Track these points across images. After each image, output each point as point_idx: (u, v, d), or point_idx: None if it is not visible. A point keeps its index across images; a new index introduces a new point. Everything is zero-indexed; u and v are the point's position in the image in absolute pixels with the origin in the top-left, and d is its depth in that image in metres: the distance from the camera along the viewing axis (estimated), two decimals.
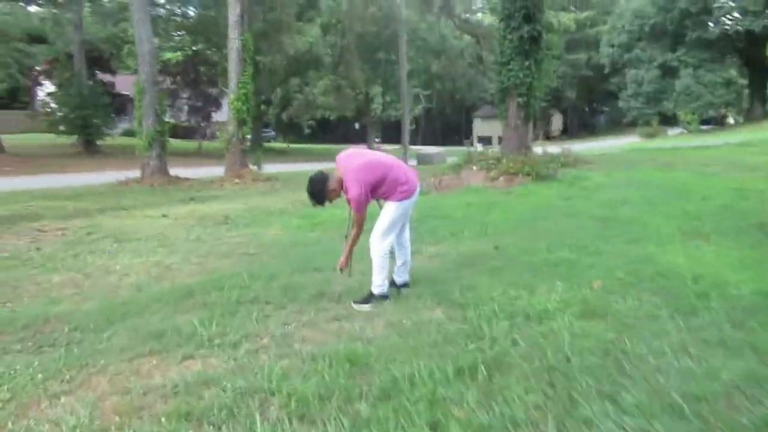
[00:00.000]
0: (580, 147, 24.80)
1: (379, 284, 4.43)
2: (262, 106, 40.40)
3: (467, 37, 30.31)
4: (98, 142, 30.87)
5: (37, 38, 45.69)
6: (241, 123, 16.09)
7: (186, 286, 5.02)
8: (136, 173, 16.35)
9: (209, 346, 3.65)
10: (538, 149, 15.10)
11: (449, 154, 28.01)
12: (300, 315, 4.20)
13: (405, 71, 24.17)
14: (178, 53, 36.71)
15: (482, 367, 3.16)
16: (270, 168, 21.14)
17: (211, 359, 3.47)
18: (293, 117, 40.06)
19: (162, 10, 32.40)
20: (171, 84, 36.23)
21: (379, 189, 4.25)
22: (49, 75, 36.43)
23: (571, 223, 7.18)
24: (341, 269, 4.56)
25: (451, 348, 3.49)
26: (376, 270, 4.42)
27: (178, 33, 34.42)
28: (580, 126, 65.75)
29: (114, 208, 10.29)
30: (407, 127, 26.02)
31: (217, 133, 16.40)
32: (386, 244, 4.39)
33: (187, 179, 16.36)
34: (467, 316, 4.02)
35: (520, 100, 14.01)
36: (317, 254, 5.94)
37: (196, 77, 33.96)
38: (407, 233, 4.74)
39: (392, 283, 4.78)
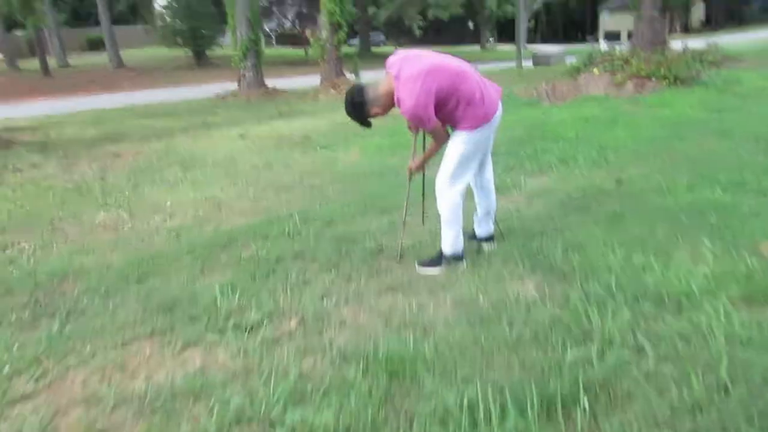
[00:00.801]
0: (728, 40, 21.07)
1: (451, 242, 3.35)
2: (371, 9, 38.60)
3: None
4: (208, 53, 31.05)
5: None
6: (336, 27, 14.90)
7: (228, 232, 4.25)
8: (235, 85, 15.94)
9: (222, 328, 2.84)
10: (676, 44, 12.61)
11: (570, 53, 25.14)
12: (347, 282, 3.27)
13: None
14: None
15: (583, 399, 2.07)
16: (372, 75, 19.99)
17: (218, 350, 2.66)
18: (401, 17, 37.87)
19: None
20: None
21: (444, 108, 3.07)
22: None
23: (723, 146, 5.53)
24: (411, 175, 3.54)
25: (540, 353, 2.41)
26: (447, 224, 3.33)
27: None
28: (727, 15, 57.15)
29: (198, 127, 9.81)
30: (522, 23, 23.43)
31: (311, 39, 15.29)
32: (458, 190, 3.25)
33: (284, 91, 15.69)
34: (570, 295, 2.88)
35: None
36: (389, 189, 4.91)
37: None
38: (489, 170, 3.56)
39: (472, 236, 3.68)
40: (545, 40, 57.27)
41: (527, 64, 23.27)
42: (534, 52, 25.06)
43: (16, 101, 20.82)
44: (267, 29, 39.71)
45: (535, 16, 58.68)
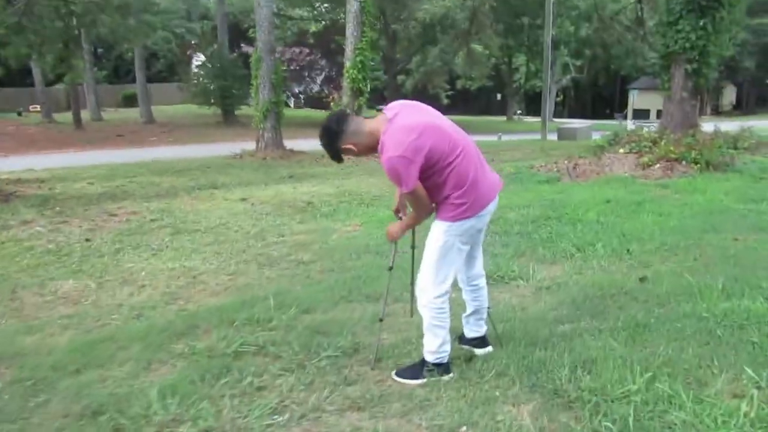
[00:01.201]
0: (761, 125, 20.58)
1: (434, 349, 2.81)
2: (399, 76, 39.24)
3: None
4: (236, 113, 31.57)
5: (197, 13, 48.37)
6: (357, 93, 14.81)
7: (193, 314, 3.76)
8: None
9: None
10: (707, 127, 12.14)
11: (597, 129, 24.89)
12: (307, 392, 2.72)
13: (549, 34, 21.42)
14: (320, 24, 36.60)
15: None
16: None
17: None
18: (426, 85, 38.37)
19: None
20: (308, 55, 36.35)
21: (429, 179, 2.60)
22: (200, 48, 37.99)
23: (764, 244, 4.93)
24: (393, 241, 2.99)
25: None
26: (430, 328, 2.80)
27: (324, 5, 34.02)
28: (758, 99, 56.87)
29: (205, 187, 9.51)
30: (548, 97, 23.34)
31: (332, 104, 15.21)
32: (441, 289, 2.73)
33: (301, 153, 15.51)
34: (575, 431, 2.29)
35: (688, 67, 11.25)
36: (382, 271, 4.39)
37: (332, 47, 33.46)
38: (478, 265, 3.02)
39: (461, 338, 3.13)
40: (572, 114, 57.55)
41: (552, 137, 23.02)
42: (560, 126, 24.86)
43: (41, 152, 21.13)
44: (296, 91, 40.54)
45: (563, 91, 59.22)
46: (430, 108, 2.76)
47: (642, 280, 4.08)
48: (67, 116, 29.69)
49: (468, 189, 2.61)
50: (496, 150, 16.69)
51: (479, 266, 3.00)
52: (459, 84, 52.98)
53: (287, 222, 6.60)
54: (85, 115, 31.58)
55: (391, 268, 3.13)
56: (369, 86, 14.90)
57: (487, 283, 4.01)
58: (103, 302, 4.15)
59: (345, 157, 2.70)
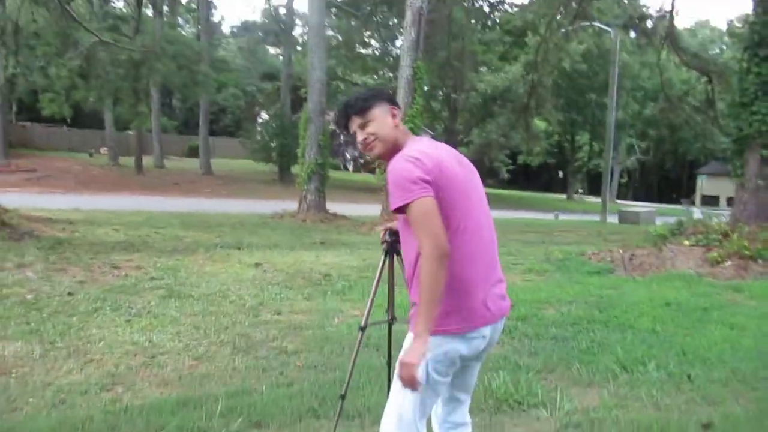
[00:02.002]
0: None
1: None
2: (460, 148, 38.94)
3: (694, 77, 25.29)
4: (293, 171, 31.78)
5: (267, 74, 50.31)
6: None
7: (116, 413, 3.02)
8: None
9: None
10: None
11: (662, 213, 23.43)
12: None
13: (613, 113, 20.56)
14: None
15: None
16: None
17: None
18: (483, 158, 37.78)
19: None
20: None
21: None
22: (264, 107, 39.06)
23: None
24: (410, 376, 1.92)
25: None
26: None
27: (389, 73, 34.49)
28: None
29: (227, 246, 8.97)
30: (609, 176, 22.22)
31: (377, 170, 14.73)
32: None
33: (343, 217, 14.98)
34: None
35: (764, 152, 10.11)
36: (377, 375, 3.54)
37: None
38: (462, 412, 2.14)
39: None
40: (637, 197, 55.58)
41: (613, 219, 21.76)
42: (622, 208, 23.54)
43: (96, 193, 21.53)
44: (351, 156, 40.79)
45: (628, 172, 57.51)
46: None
47: (706, 427, 3.07)
48: (133, 161, 30.58)
49: (461, 288, 1.86)
50: (550, 230, 15.69)
51: (463, 414, 2.14)
52: (520, 159, 52.41)
53: (292, 296, 5.86)
54: (149, 161, 32.57)
55: (363, 328, 2.42)
56: None
57: (498, 410, 3.13)
58: (34, 377, 3.47)
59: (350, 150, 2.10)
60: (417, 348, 1.78)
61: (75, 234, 9.16)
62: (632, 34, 25.12)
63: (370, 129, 1.98)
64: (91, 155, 36.58)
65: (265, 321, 4.89)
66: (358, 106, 2.00)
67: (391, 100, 2.06)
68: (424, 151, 1.88)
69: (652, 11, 21.64)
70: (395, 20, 29.19)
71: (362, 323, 2.44)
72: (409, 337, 1.89)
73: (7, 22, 14.38)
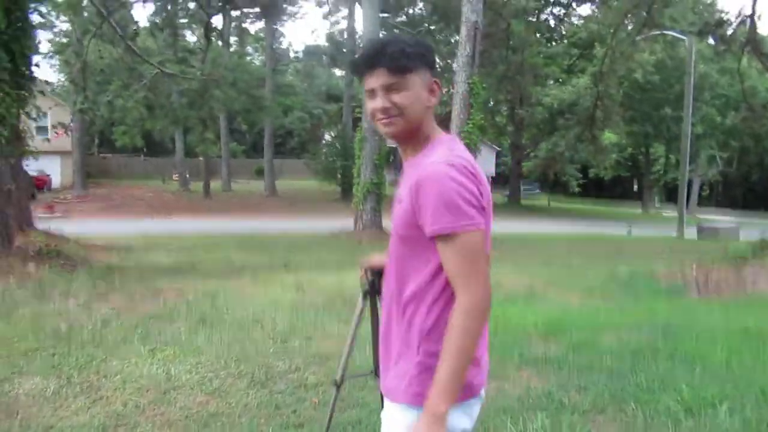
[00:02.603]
0: None
1: None
2: (525, 163, 37.98)
3: None
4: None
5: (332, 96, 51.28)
6: None
7: None
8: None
9: None
10: None
11: (748, 227, 21.71)
12: None
13: (688, 124, 19.33)
14: (446, 109, 36.88)
15: None
16: (506, 227, 18.43)
17: None
18: (547, 171, 36.65)
19: None
20: None
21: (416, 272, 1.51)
22: (327, 128, 39.57)
23: None
24: None
25: None
26: None
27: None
28: None
29: (274, 267, 8.87)
30: (685, 188, 20.87)
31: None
32: None
33: None
34: None
35: None
36: None
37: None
38: None
39: None
40: (720, 207, 52.26)
41: (692, 234, 20.34)
42: (701, 222, 22.02)
43: (166, 217, 22.24)
44: None
45: (710, 184, 54.26)
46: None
47: None
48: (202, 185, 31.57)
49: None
50: (619, 246, 14.78)
51: None
52: (592, 172, 50.55)
53: (327, 321, 5.58)
54: (217, 185, 33.57)
55: (338, 384, 2.06)
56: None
57: None
58: (39, 419, 3.32)
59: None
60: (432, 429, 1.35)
61: (128, 261, 9.31)
62: (710, 41, 23.72)
63: (399, 99, 1.47)
64: (164, 181, 38.12)
65: (291, 349, 4.61)
66: (395, 59, 1.46)
67: (434, 68, 1.56)
68: (470, 160, 1.48)
69: (731, 16, 20.33)
70: (457, 37, 28.97)
71: (337, 377, 2.07)
72: (393, 412, 1.52)
73: (77, 61, 15.17)
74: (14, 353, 4.49)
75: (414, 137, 1.54)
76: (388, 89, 1.47)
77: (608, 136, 33.59)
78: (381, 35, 16.47)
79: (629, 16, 19.28)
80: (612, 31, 19.93)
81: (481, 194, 1.43)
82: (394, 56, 1.46)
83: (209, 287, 7.15)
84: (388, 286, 1.60)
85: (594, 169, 44.32)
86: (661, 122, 35.75)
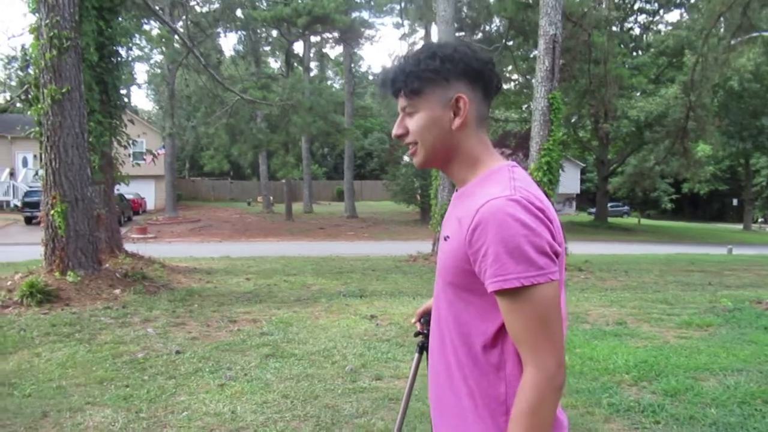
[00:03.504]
0: None
1: None
2: (611, 179, 36.35)
3: None
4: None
5: None
6: None
7: None
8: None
9: None
10: None
11: None
12: None
13: None
14: (526, 125, 35.96)
15: None
16: (591, 248, 17.55)
17: None
18: (634, 188, 34.82)
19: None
20: (508, 157, 35.68)
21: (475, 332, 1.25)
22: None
23: None
24: None
25: None
26: None
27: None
28: None
29: (351, 294, 8.75)
30: None
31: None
32: None
33: None
34: None
35: None
36: None
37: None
38: None
39: None
40: None
41: None
42: None
43: (249, 240, 22.87)
44: None
45: None
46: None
47: None
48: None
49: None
50: (720, 269, 13.65)
51: None
52: (685, 187, 47.85)
53: (400, 356, 5.34)
54: (299, 207, 34.35)
55: None
56: (557, 189, 13.31)
57: None
58: None
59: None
60: None
61: (208, 285, 9.48)
62: None
63: (411, 124, 1.29)
64: (249, 204, 39.47)
65: (361, 389, 4.40)
66: (407, 81, 1.27)
67: (475, 78, 1.27)
68: (538, 193, 1.21)
69: None
70: (535, 52, 28.27)
71: None
72: None
73: (165, 89, 15.98)
74: (91, 381, 4.57)
75: (450, 164, 1.32)
76: (405, 113, 1.32)
77: (702, 148, 31.59)
78: None
79: (722, 18, 18.06)
80: (704, 35, 18.76)
81: (553, 237, 1.17)
82: (395, 82, 1.30)
83: (283, 315, 7.11)
84: (437, 340, 1.35)
85: (688, 183, 41.85)
86: (761, 132, 33.27)
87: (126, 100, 10.68)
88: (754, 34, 19.59)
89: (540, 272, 1.12)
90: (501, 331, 1.21)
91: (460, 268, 1.21)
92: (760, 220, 48.67)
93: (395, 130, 1.33)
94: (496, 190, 1.18)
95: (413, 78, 1.27)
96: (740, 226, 41.87)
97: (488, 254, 1.14)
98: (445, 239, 1.28)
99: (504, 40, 22.19)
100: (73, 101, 8.21)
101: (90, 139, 8.95)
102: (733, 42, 18.90)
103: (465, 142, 1.29)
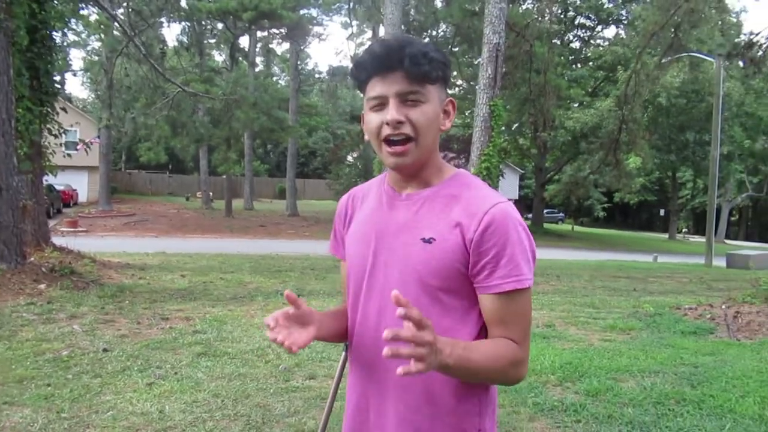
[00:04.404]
0: None
1: None
2: (549, 186, 37.50)
3: None
4: None
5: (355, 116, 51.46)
6: None
7: None
8: None
9: None
10: None
11: None
12: None
13: (716, 149, 18.87)
14: (468, 131, 36.67)
15: None
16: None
17: None
18: (569, 197, 36.09)
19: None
20: (450, 160, 36.26)
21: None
22: (348, 149, 39.63)
23: None
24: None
25: None
26: None
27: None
28: None
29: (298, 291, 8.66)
30: (714, 217, 20.31)
31: None
32: None
33: None
34: None
35: None
36: None
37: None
38: None
39: None
40: (750, 237, 51.03)
41: (720, 262, 19.74)
42: (729, 251, 21.37)
43: (185, 236, 22.29)
44: None
45: (740, 211, 53.07)
46: None
47: None
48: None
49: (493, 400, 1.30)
50: (645, 275, 14.32)
51: None
52: (616, 197, 49.92)
53: (335, 356, 5.35)
54: (239, 203, 33.73)
55: None
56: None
57: None
58: None
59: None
60: (444, 344, 1.06)
61: (141, 281, 9.21)
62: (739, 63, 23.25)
63: (417, 115, 1.17)
64: (187, 199, 38.47)
65: (293, 388, 4.39)
66: (417, 63, 1.15)
67: (449, 85, 1.29)
68: (529, 240, 1.25)
69: (762, 38, 19.92)
70: (480, 59, 28.88)
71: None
72: None
73: (103, 78, 15.43)
74: (9, 380, 4.37)
75: (424, 166, 1.24)
76: (403, 100, 1.17)
77: (633, 160, 33.04)
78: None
79: (655, 38, 19.01)
80: (638, 52, 19.68)
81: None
82: (416, 58, 1.14)
83: (218, 313, 7.00)
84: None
85: (619, 193, 43.70)
86: (686, 146, 35.10)
87: (59, 87, 10.21)
88: (683, 54, 20.72)
89: (531, 276, 1.19)
90: (481, 333, 1.22)
91: (454, 270, 1.18)
92: (684, 230, 51.30)
93: (396, 115, 1.16)
94: (494, 194, 1.21)
95: (436, 65, 1.17)
96: (666, 236, 44.00)
97: (501, 255, 1.15)
98: (428, 241, 1.20)
99: (450, 46, 22.55)
100: (0, 86, 7.81)
101: (18, 127, 8.54)
102: (664, 60, 19.92)
103: (437, 144, 1.26)
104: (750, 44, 19.95)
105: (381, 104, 1.18)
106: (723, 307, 7.40)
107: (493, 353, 1.15)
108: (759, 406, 4.11)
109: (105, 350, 5.26)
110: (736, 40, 20.83)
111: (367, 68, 1.19)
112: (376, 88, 1.18)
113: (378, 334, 1.20)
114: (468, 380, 1.18)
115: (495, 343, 1.17)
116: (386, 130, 1.18)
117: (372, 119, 1.20)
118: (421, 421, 1.22)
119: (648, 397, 4.27)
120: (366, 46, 1.57)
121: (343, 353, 1.79)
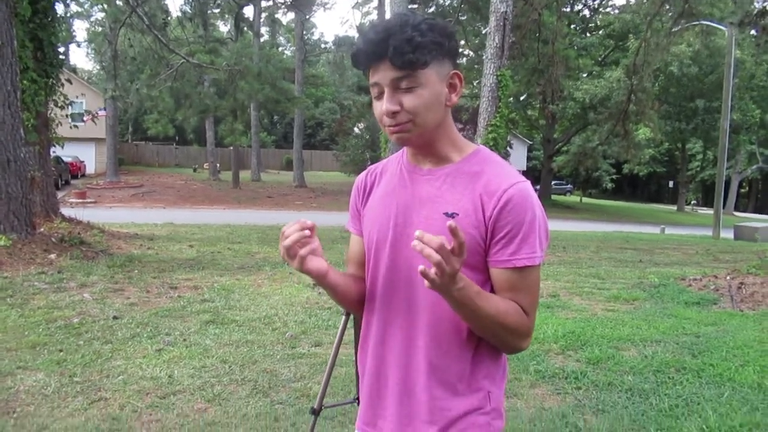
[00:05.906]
0: None
1: None
2: (556, 157, 37.27)
3: None
4: None
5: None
6: None
7: None
8: None
9: None
10: None
11: None
12: None
13: (727, 119, 18.64)
14: (476, 101, 36.32)
15: None
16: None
17: None
18: (579, 168, 35.89)
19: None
20: (459, 131, 35.95)
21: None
22: (356, 120, 39.40)
23: None
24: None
25: None
26: None
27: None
28: None
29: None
30: (723, 189, 20.18)
31: None
32: None
33: None
34: None
35: None
36: None
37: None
38: None
39: None
40: (759, 209, 50.67)
41: (728, 234, 19.68)
42: (737, 223, 21.28)
43: (194, 207, 22.41)
44: None
45: (750, 183, 52.64)
46: None
47: None
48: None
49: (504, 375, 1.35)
50: (652, 247, 14.32)
51: None
52: (626, 168, 49.52)
53: (339, 323, 5.43)
54: (246, 175, 33.77)
55: (316, 412, 1.89)
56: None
57: None
58: (35, 418, 3.25)
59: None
60: (462, 279, 1.10)
61: (149, 251, 9.31)
62: (751, 31, 22.81)
63: (410, 101, 1.19)
64: (195, 170, 38.52)
65: (300, 354, 4.48)
66: (401, 52, 1.16)
67: (456, 56, 1.26)
68: (544, 218, 1.28)
69: None
70: (487, 28, 28.41)
71: (315, 404, 1.92)
72: None
73: (108, 49, 15.33)
74: (23, 346, 4.47)
75: (435, 141, 1.27)
76: (396, 87, 1.19)
77: (643, 131, 32.72)
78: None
79: (666, 5, 18.65)
80: (648, 20, 19.31)
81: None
82: (400, 48, 1.15)
83: (226, 282, 7.09)
84: (430, 326, 1.26)
85: (628, 164, 43.41)
86: (695, 114, 34.65)
87: (63, 58, 10.19)
88: (694, 23, 20.32)
89: (543, 253, 1.23)
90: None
91: (473, 245, 1.21)
92: (692, 202, 50.99)
93: (390, 106, 1.19)
94: (514, 173, 1.25)
95: (423, 50, 1.17)
96: (674, 207, 43.81)
97: (518, 232, 1.19)
98: (451, 216, 1.23)
99: (457, 15, 22.22)
100: (4, 57, 7.80)
101: (24, 98, 8.55)
102: (675, 29, 19.55)
103: (448, 118, 1.28)
104: (763, 12, 19.55)
105: (380, 92, 1.22)
106: (727, 278, 7.42)
107: (503, 310, 1.20)
108: (758, 375, 4.16)
109: (115, 318, 5.37)
110: (749, 8, 20.34)
111: (360, 60, 1.23)
112: (372, 76, 1.22)
113: (402, 301, 1.29)
114: (470, 323, 1.21)
115: (507, 303, 1.21)
116: (386, 120, 1.22)
117: (376, 107, 1.25)
118: (440, 357, 1.26)
119: (648, 366, 4.32)
120: (370, 19, 1.53)
121: (343, 318, 1.83)
